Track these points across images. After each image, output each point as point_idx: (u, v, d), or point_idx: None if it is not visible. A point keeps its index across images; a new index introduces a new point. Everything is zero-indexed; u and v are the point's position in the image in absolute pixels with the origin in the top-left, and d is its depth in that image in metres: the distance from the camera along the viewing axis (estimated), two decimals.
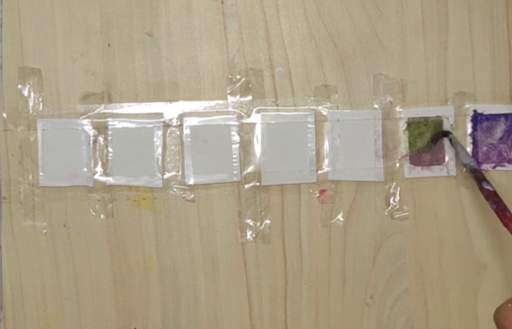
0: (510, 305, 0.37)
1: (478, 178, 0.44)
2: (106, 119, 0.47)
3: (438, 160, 0.47)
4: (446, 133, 0.46)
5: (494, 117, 0.47)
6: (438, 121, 0.47)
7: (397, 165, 0.47)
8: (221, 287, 0.46)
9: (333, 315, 0.47)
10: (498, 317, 0.37)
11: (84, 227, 0.46)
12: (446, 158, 0.47)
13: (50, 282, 0.46)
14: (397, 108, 0.47)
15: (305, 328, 0.47)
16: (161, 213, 0.47)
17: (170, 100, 0.47)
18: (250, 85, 0.47)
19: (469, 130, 0.47)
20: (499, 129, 0.47)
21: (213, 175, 0.47)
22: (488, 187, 0.43)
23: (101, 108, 0.47)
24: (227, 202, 0.47)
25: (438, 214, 0.47)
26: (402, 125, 0.47)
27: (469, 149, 0.47)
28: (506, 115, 0.47)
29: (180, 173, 0.47)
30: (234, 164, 0.47)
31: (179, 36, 0.47)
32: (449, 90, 0.47)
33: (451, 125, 0.47)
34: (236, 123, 0.47)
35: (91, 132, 0.47)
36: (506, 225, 0.41)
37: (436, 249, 0.47)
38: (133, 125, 0.47)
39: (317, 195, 0.47)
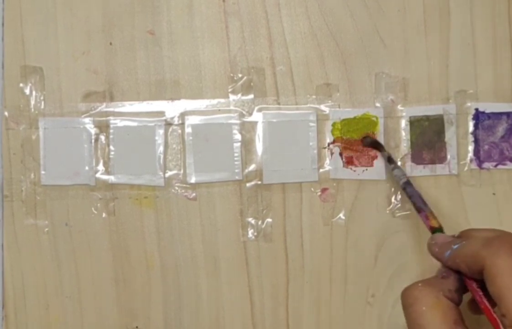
0: (419, 285, 0.37)
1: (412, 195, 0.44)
2: (108, 118, 0.47)
3: (440, 159, 0.47)
4: (380, 148, 0.46)
5: (496, 116, 0.47)
6: (440, 120, 0.47)
7: (399, 163, 0.47)
8: (223, 285, 0.46)
9: (334, 314, 0.47)
10: (405, 295, 0.37)
11: (86, 226, 0.46)
12: (448, 157, 0.47)
13: (52, 281, 0.46)
14: (399, 107, 0.47)
15: (306, 326, 0.47)
16: (163, 212, 0.47)
17: (172, 99, 0.47)
18: (251, 84, 0.47)
19: (471, 129, 0.47)
20: (501, 128, 0.47)
21: (215, 173, 0.47)
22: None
23: (103, 107, 0.47)
24: (229, 200, 0.47)
25: (440, 212, 0.47)
26: (404, 124, 0.47)
27: (470, 148, 0.47)
28: (508, 114, 0.47)
29: (181, 172, 0.47)
30: (236, 163, 0.47)
31: (181, 34, 0.47)
32: (451, 89, 0.47)
33: (453, 123, 0.47)
34: (238, 121, 0.47)
35: (93, 131, 0.47)
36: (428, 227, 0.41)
37: None
38: (134, 124, 0.47)
39: (319, 193, 0.47)
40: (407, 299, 0.36)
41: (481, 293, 0.35)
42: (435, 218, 0.42)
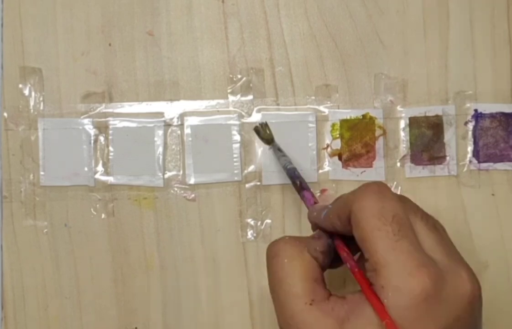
0: (286, 237, 0.35)
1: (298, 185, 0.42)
2: (107, 119, 0.47)
3: (439, 159, 0.47)
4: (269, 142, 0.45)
5: (495, 117, 0.47)
6: (439, 121, 0.47)
7: (398, 164, 0.47)
8: (222, 286, 0.46)
9: None
10: (270, 247, 0.35)
11: (85, 227, 0.46)
12: (447, 158, 0.47)
13: (51, 282, 0.46)
14: (398, 108, 0.47)
15: None
16: (162, 212, 0.47)
17: (171, 100, 0.47)
18: (251, 85, 0.47)
19: (470, 130, 0.47)
20: (500, 129, 0.47)
21: (214, 174, 0.47)
22: (308, 194, 0.41)
23: (102, 108, 0.47)
24: (228, 201, 0.47)
25: (439, 213, 0.46)
26: (403, 125, 0.47)
27: (470, 148, 0.47)
28: (507, 115, 0.47)
29: (181, 172, 0.47)
30: (235, 163, 0.47)
31: (180, 35, 0.47)
32: (450, 90, 0.47)
33: (452, 124, 0.47)
34: (237, 122, 0.47)
35: (92, 131, 0.47)
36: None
37: None
38: (134, 125, 0.47)
39: (318, 194, 0.47)
40: (271, 251, 0.35)
41: (347, 250, 0.35)
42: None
